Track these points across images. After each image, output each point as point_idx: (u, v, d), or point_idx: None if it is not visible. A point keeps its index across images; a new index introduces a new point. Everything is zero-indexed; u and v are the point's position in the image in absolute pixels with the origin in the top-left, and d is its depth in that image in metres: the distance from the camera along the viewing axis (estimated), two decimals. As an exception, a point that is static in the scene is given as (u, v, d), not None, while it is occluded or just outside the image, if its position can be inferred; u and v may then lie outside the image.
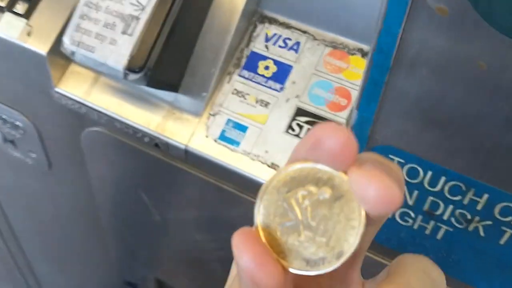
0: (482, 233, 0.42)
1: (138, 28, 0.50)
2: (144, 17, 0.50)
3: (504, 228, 0.41)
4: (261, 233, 0.20)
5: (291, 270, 0.20)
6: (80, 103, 0.59)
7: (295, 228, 0.20)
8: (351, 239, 0.19)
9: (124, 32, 0.51)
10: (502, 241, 0.41)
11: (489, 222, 0.41)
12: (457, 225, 0.43)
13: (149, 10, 0.50)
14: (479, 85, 0.34)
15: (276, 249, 0.20)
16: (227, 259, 0.70)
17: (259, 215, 0.20)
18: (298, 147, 0.20)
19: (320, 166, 0.19)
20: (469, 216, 0.41)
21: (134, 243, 0.77)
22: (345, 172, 0.19)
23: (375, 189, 0.18)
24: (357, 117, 0.42)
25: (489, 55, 0.33)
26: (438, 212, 0.42)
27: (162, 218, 0.68)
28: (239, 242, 0.20)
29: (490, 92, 0.34)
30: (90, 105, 0.58)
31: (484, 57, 0.33)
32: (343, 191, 0.19)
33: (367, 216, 0.19)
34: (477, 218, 0.41)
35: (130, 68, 0.50)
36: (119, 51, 0.50)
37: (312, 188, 0.19)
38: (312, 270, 0.19)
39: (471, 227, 0.42)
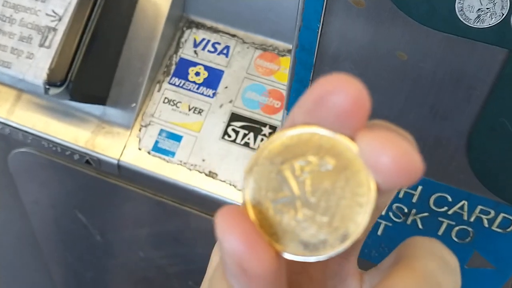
0: (420, 226, 0.42)
1: (56, 39, 0.47)
2: (62, 28, 0.48)
3: (440, 219, 0.40)
4: (250, 211, 0.16)
5: (286, 255, 0.16)
6: (2, 124, 0.55)
7: (291, 205, 0.16)
8: (359, 218, 0.15)
9: (41, 45, 0.48)
10: (440, 232, 0.41)
11: (426, 214, 0.41)
12: (395, 219, 0.42)
13: (66, 20, 0.48)
14: (401, 76, 0.34)
15: (268, 230, 0.16)
16: (179, 274, 0.67)
17: (248, 189, 0.16)
18: (296, 109, 0.16)
19: (321, 131, 0.15)
20: (406, 210, 0.41)
21: (77, 266, 0.74)
22: (353, 138, 0.15)
23: (391, 155, 0.14)
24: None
25: (408, 45, 0.32)
26: (376, 208, 0.42)
27: (103, 237, 0.65)
28: (223, 221, 0.15)
29: (412, 82, 0.34)
30: (13, 125, 0.55)
31: (404, 47, 0.33)
32: (349, 160, 0.15)
33: (378, 190, 0.15)
34: (414, 211, 0.41)
35: (51, 81, 0.47)
36: (37, 65, 0.48)
37: (312, 158, 0.16)
38: (310, 255, 0.16)
39: (409, 221, 0.42)
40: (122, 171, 0.53)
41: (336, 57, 0.35)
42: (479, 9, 0.29)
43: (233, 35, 0.55)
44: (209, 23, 0.55)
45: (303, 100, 0.16)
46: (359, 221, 0.15)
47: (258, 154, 0.16)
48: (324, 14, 0.33)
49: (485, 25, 0.30)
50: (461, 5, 0.30)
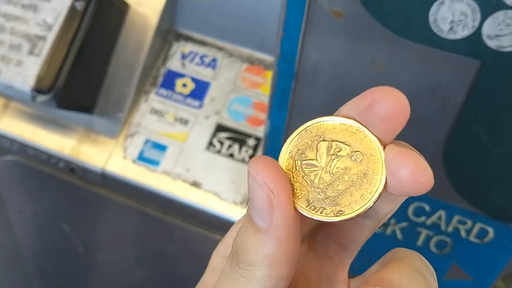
0: (399, 236, 0.42)
1: (45, 48, 0.48)
2: (51, 37, 0.48)
3: (419, 229, 0.41)
4: (283, 160, 0.20)
5: (295, 203, 0.20)
6: (-11, 131, 0.56)
7: (314, 169, 0.19)
8: (357, 206, 0.19)
9: (30, 53, 0.49)
10: (419, 243, 0.42)
11: (405, 224, 0.41)
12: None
13: (56, 29, 0.48)
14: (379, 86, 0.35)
15: (290, 179, 0.20)
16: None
17: (290, 144, 0.20)
18: (350, 105, 0.20)
19: (367, 132, 0.19)
20: (385, 220, 0.42)
21: (59, 278, 0.73)
22: (384, 146, 0.19)
23: (411, 167, 0.18)
24: (270, 127, 0.41)
25: (385, 55, 0.33)
26: (357, 218, 0.42)
27: (86, 249, 0.64)
28: (261, 161, 0.18)
29: (390, 92, 0.35)
30: (0, 132, 0.55)
31: (381, 58, 0.34)
32: (374, 162, 0.19)
33: (383, 194, 0.19)
34: (393, 221, 0.41)
35: (38, 89, 0.48)
36: (26, 73, 0.48)
37: (348, 147, 0.19)
38: (307, 212, 0.19)
39: (388, 231, 0.42)
40: (107, 180, 0.53)
41: (316, 66, 0.36)
42: (451, 21, 0.30)
43: (221, 48, 0.56)
44: (197, 36, 0.57)
45: (358, 100, 0.19)
46: (355, 208, 0.19)
47: (311, 123, 0.20)
48: (305, 24, 0.34)
49: (458, 36, 0.31)
50: (435, 17, 0.31)
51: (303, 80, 0.37)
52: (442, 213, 0.39)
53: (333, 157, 0.19)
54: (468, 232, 0.39)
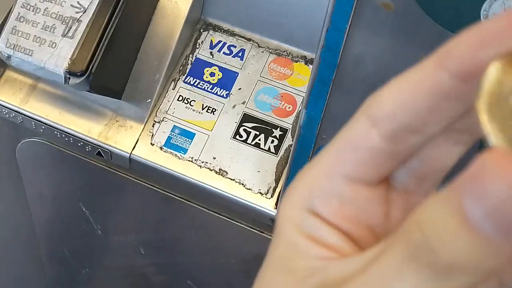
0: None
1: (79, 30, 0.49)
2: (86, 19, 0.49)
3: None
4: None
5: None
6: (15, 112, 0.56)
7: None
8: None
9: (64, 35, 0.49)
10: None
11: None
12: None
13: (90, 12, 0.49)
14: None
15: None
16: (178, 275, 0.67)
17: (503, 140, 0.14)
18: None
19: None
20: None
21: (73, 262, 0.74)
22: None
23: None
24: (305, 116, 0.42)
25: (432, 49, 0.34)
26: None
27: (104, 232, 0.65)
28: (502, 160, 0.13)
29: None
30: (26, 113, 0.56)
31: (428, 52, 0.34)
32: None
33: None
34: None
35: (72, 71, 0.48)
36: (59, 54, 0.48)
37: None
38: None
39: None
40: (133, 165, 0.54)
41: (359, 58, 0.37)
42: (502, 17, 0.31)
43: (249, 39, 0.56)
44: (226, 26, 0.57)
45: None
46: None
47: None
48: (353, 15, 0.35)
49: (507, 33, 0.31)
50: (486, 13, 0.31)
51: (345, 72, 0.38)
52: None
53: None
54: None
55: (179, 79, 0.55)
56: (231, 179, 0.52)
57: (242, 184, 0.52)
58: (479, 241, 0.13)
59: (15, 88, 0.56)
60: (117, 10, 0.49)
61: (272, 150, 0.53)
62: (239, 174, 0.52)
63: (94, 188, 0.61)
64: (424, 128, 0.17)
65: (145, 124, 0.54)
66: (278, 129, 0.53)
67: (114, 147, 0.54)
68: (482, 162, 0.13)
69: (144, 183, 0.56)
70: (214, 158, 0.53)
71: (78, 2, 0.49)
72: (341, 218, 0.18)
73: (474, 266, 0.14)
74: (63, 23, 0.49)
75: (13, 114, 0.56)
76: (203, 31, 0.57)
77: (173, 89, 0.55)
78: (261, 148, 0.53)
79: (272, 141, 0.53)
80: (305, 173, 0.18)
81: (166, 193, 0.56)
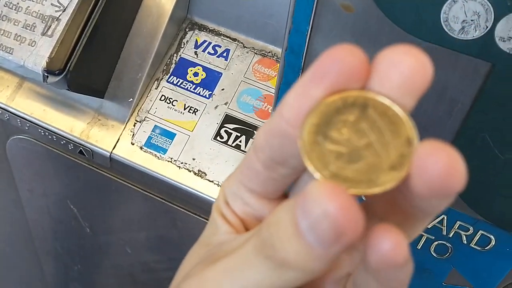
0: (400, 238, 0.41)
1: (58, 29, 0.49)
2: (65, 18, 0.49)
3: (420, 232, 0.40)
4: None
5: (394, 182, 0.17)
6: (2, 109, 0.56)
7: (356, 158, 0.18)
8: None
9: (44, 33, 0.49)
10: (419, 246, 0.41)
11: (406, 226, 0.40)
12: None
13: (70, 11, 0.49)
14: (386, 84, 0.34)
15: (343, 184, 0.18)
16: (163, 272, 0.67)
17: (322, 174, 0.18)
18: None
19: (330, 97, 0.17)
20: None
21: (66, 258, 0.74)
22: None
23: (444, 159, 0.16)
24: (275, 120, 0.41)
25: (393, 53, 0.33)
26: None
27: (92, 230, 0.65)
28: (324, 191, 0.16)
29: (396, 91, 0.34)
30: (12, 111, 0.56)
31: (389, 55, 0.33)
32: (363, 101, 0.17)
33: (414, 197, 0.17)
34: (394, 222, 0.41)
35: (49, 69, 0.48)
36: (38, 53, 0.49)
37: (340, 121, 0.18)
38: (402, 170, 0.17)
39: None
40: (114, 164, 0.54)
41: (324, 61, 0.36)
42: (463, 20, 0.30)
43: (234, 39, 0.56)
44: (211, 25, 0.56)
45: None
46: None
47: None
48: (314, 17, 0.34)
49: (469, 37, 0.30)
50: (446, 16, 0.30)
51: (310, 74, 0.37)
52: (444, 217, 0.38)
53: (357, 130, 0.18)
54: (470, 238, 0.38)
55: (162, 78, 0.55)
56: (210, 181, 0.51)
57: (221, 186, 0.51)
58: (305, 247, 0.17)
59: (3, 85, 0.57)
60: (96, 8, 0.49)
61: (253, 152, 0.52)
62: (218, 175, 0.52)
63: (79, 186, 0.61)
64: (285, 162, 0.19)
65: (126, 123, 0.54)
66: (260, 131, 0.52)
67: (96, 146, 0.53)
68: (310, 188, 0.16)
69: (125, 183, 0.56)
70: (194, 159, 0.52)
71: (58, 1, 0.49)
72: (242, 213, 0.22)
73: (300, 266, 0.17)
74: (43, 21, 0.49)
75: (0, 112, 0.56)
76: (189, 30, 0.57)
77: (156, 88, 0.55)
78: (242, 150, 0.52)
79: (253, 143, 0.52)
80: (229, 176, 0.23)
81: (147, 192, 0.56)
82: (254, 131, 0.52)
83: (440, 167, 0.16)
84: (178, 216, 0.56)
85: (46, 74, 0.48)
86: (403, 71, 0.17)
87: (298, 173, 0.20)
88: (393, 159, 0.17)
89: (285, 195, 0.22)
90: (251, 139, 0.52)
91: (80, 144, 0.54)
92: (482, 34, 0.30)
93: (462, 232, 0.38)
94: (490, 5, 0.29)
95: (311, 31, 0.34)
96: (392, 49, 0.17)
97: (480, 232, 0.38)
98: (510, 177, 0.34)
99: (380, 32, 0.32)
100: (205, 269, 0.20)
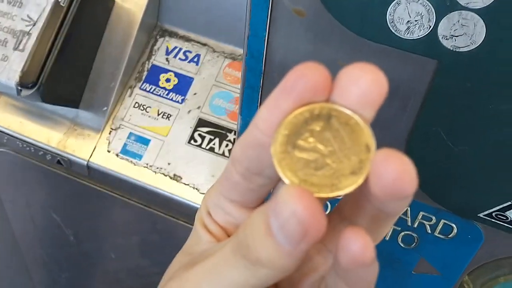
0: (369, 231, 0.43)
1: (30, 43, 0.49)
2: (35, 32, 0.50)
3: (387, 224, 0.42)
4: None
5: (353, 186, 0.19)
6: (-21, 123, 0.57)
7: (322, 164, 0.19)
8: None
9: (15, 48, 0.50)
10: (387, 237, 0.43)
11: (373, 219, 0.42)
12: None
13: (40, 25, 0.50)
14: (341, 84, 0.35)
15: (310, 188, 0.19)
16: (147, 276, 0.68)
17: (291, 178, 0.19)
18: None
19: (299, 109, 0.19)
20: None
21: (53, 266, 0.75)
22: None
23: (397, 166, 0.17)
24: (241, 122, 0.42)
25: (346, 54, 0.34)
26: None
27: (76, 238, 0.66)
28: (299, 196, 0.18)
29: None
30: (-10, 124, 0.57)
31: (342, 56, 0.34)
32: (327, 112, 0.19)
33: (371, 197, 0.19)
34: (361, 216, 0.42)
35: (23, 83, 0.49)
36: (11, 67, 0.49)
37: (307, 131, 0.19)
38: (361, 175, 0.19)
39: (358, 226, 0.43)
40: (91, 172, 0.55)
41: (283, 64, 0.37)
42: (408, 21, 0.31)
43: (204, 44, 0.57)
44: (181, 32, 0.57)
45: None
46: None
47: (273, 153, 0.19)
48: (269, 23, 0.35)
49: (415, 36, 0.31)
50: (392, 17, 0.31)
51: (272, 77, 0.38)
52: (407, 209, 0.40)
53: (322, 138, 0.19)
54: (433, 228, 0.40)
55: (135, 86, 0.56)
56: (186, 184, 0.53)
57: (196, 189, 0.52)
58: (275, 246, 0.18)
59: (-21, 100, 0.57)
60: (66, 21, 0.50)
61: (227, 154, 0.53)
62: (194, 179, 0.53)
63: (60, 195, 0.62)
64: (262, 172, 0.21)
65: (102, 132, 0.55)
66: (233, 133, 0.54)
67: (73, 155, 0.54)
68: (281, 192, 0.18)
69: (104, 190, 0.57)
70: (169, 163, 0.53)
71: (28, 15, 0.50)
72: (223, 222, 0.24)
73: (271, 264, 0.19)
74: (14, 36, 0.50)
75: (-23, 126, 0.57)
76: (159, 37, 0.58)
77: (129, 96, 0.56)
78: (216, 153, 0.53)
79: (227, 145, 0.53)
80: (211, 187, 0.24)
81: (126, 198, 0.57)
82: (228, 133, 0.53)
83: (393, 173, 0.18)
84: (158, 220, 0.57)
85: (19, 88, 0.49)
86: (361, 85, 0.19)
87: (274, 183, 0.22)
88: (353, 165, 0.19)
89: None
90: (224, 141, 0.53)
91: (58, 154, 0.55)
92: (427, 33, 0.31)
93: (426, 222, 0.40)
94: (431, 5, 0.30)
95: (268, 36, 0.36)
96: (352, 67, 0.19)
97: (442, 221, 0.39)
98: (464, 168, 0.36)
99: (332, 34, 0.34)
100: (185, 272, 0.22)
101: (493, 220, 0.38)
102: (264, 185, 0.21)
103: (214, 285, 0.20)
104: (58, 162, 0.56)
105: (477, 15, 0.30)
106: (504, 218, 0.38)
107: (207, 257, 0.21)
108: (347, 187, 0.19)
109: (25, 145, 0.56)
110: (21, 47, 0.50)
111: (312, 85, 0.19)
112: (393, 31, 0.32)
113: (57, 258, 0.73)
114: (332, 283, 0.21)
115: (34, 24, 0.50)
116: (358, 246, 0.18)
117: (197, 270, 0.21)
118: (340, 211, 0.22)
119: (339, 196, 0.19)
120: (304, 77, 0.19)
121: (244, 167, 0.21)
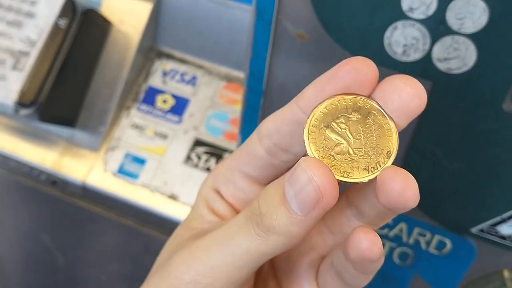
0: (364, 248, 0.44)
1: (29, 63, 0.50)
2: (34, 53, 0.50)
3: (382, 241, 0.43)
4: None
5: (361, 179, 0.21)
6: (-27, 143, 0.57)
7: (344, 151, 0.21)
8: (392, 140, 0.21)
9: (14, 68, 0.50)
10: (382, 254, 0.44)
11: (369, 236, 0.43)
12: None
13: (39, 46, 0.50)
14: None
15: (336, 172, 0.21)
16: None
17: (313, 152, 0.21)
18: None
19: (345, 96, 0.21)
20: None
21: (41, 290, 0.74)
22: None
23: (402, 183, 0.19)
24: (241, 141, 0.43)
25: (345, 75, 0.36)
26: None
27: (66, 260, 0.66)
28: (315, 165, 0.19)
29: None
30: (-16, 144, 0.57)
31: (342, 77, 0.36)
32: (369, 109, 0.21)
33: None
34: (358, 233, 0.43)
35: (21, 102, 0.50)
36: (9, 87, 0.50)
37: (344, 117, 0.21)
38: (372, 174, 0.20)
39: (354, 243, 0.44)
40: (87, 192, 0.55)
41: (284, 85, 0.38)
42: (404, 44, 0.33)
43: (200, 66, 0.58)
44: (178, 54, 0.59)
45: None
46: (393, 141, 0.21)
47: (307, 125, 0.21)
48: (272, 46, 0.36)
49: (411, 59, 0.33)
50: (389, 41, 0.33)
51: (272, 97, 0.39)
52: (403, 225, 0.41)
53: (342, 130, 0.21)
54: (428, 243, 0.41)
55: (132, 107, 0.57)
56: (183, 203, 0.53)
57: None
58: (289, 214, 0.19)
59: (-27, 120, 0.58)
60: (65, 43, 0.51)
61: (222, 173, 0.54)
62: (191, 198, 0.53)
63: (52, 217, 0.61)
64: (290, 148, 0.22)
65: (98, 152, 0.55)
66: (229, 152, 0.54)
67: (68, 175, 0.55)
68: (300, 161, 0.19)
69: (99, 211, 0.57)
70: (166, 183, 0.54)
71: (27, 36, 0.51)
72: (232, 198, 0.24)
73: (283, 231, 0.20)
74: (13, 56, 0.51)
75: (-29, 145, 0.57)
76: (156, 59, 0.59)
77: (126, 117, 0.56)
78: (212, 172, 0.54)
79: (223, 165, 0.54)
80: (219, 164, 0.25)
81: (121, 219, 0.57)
82: (223, 153, 0.54)
83: (397, 189, 0.19)
84: (152, 241, 0.57)
85: (18, 107, 0.50)
86: (403, 96, 0.20)
87: (296, 161, 0.23)
88: (369, 163, 0.21)
89: None
90: (220, 160, 0.54)
91: (53, 175, 0.55)
92: (422, 56, 0.33)
93: (421, 238, 0.41)
94: (426, 30, 0.32)
95: (270, 58, 0.37)
96: (396, 76, 0.21)
97: (437, 237, 0.40)
98: (458, 185, 0.37)
99: (332, 57, 0.35)
100: (194, 241, 0.23)
101: (484, 235, 0.39)
102: (287, 162, 0.23)
103: (225, 251, 0.21)
104: (53, 182, 0.56)
105: (468, 40, 0.32)
106: (495, 232, 0.39)
107: (216, 228, 0.22)
108: (355, 179, 0.21)
109: (19, 165, 0.56)
110: (20, 66, 0.50)
111: (362, 79, 0.20)
112: (390, 54, 0.33)
113: (44, 282, 0.72)
114: (340, 266, 0.23)
115: (33, 45, 0.51)
116: (368, 244, 0.20)
117: (208, 238, 0.22)
118: (347, 196, 0.24)
119: (345, 182, 0.21)
120: (356, 70, 0.21)
121: (273, 141, 0.22)
